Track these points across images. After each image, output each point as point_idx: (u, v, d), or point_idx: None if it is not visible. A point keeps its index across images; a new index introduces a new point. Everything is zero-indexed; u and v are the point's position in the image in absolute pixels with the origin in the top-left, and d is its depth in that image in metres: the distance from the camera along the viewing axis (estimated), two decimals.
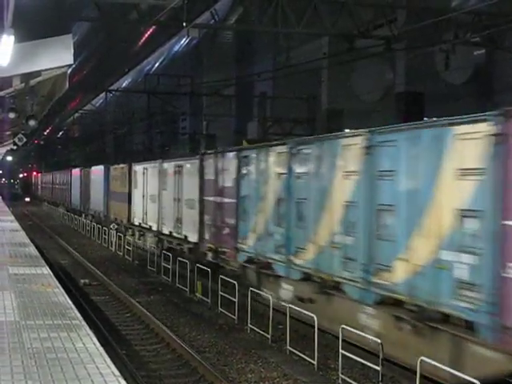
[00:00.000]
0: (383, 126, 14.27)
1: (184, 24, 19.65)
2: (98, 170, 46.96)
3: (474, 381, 10.11)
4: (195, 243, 25.17)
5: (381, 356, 12.55)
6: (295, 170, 17.43)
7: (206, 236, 23.69)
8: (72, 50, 14.66)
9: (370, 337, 13.36)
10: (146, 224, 32.98)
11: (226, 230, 21.96)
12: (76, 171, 57.68)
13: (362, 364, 13.50)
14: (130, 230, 36.16)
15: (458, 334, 11.46)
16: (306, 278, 16.80)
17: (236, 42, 42.97)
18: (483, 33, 21.57)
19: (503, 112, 10.68)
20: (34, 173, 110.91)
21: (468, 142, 11.29)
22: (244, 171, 20.73)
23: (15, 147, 41.71)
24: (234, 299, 18.94)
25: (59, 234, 44.85)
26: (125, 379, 9.31)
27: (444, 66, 23.38)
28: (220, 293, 20.07)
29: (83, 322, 12.48)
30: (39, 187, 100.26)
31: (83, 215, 51.21)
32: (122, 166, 39.04)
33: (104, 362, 9.91)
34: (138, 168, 35.30)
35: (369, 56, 24.87)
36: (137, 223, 34.99)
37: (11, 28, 12.10)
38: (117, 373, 9.39)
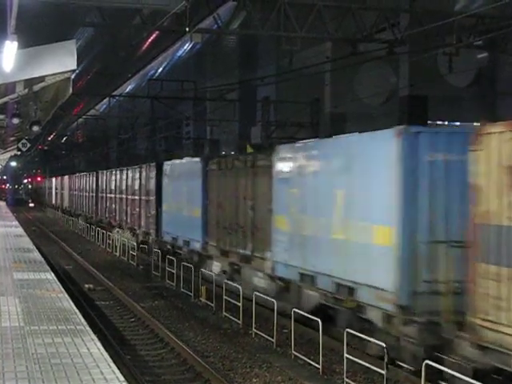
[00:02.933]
0: None
1: (187, 29, 19.67)
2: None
3: None
4: None
5: (385, 360, 12.54)
6: None
7: None
8: (75, 56, 14.68)
9: (375, 340, 13.33)
10: None
11: None
12: (191, 166, 27.00)
13: (367, 368, 13.49)
14: None
15: None
16: None
17: (239, 46, 42.98)
18: (486, 36, 21.55)
19: None
20: (53, 178, 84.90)
21: None
22: None
23: (19, 153, 41.77)
24: (238, 303, 18.93)
25: (63, 239, 44.83)
26: None
27: (447, 69, 23.38)
28: (224, 297, 20.06)
29: (87, 327, 12.48)
30: (59, 195, 74.30)
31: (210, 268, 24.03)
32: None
33: (109, 367, 9.91)
34: None
35: (372, 60, 24.88)
36: None
37: (14, 34, 12.14)
38: (121, 378, 9.38)
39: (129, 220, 37.87)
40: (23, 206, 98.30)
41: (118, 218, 41.20)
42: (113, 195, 42.99)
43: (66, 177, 68.73)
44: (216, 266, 23.46)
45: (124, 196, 39.45)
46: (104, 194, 46.32)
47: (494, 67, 28.98)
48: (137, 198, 35.86)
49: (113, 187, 43.22)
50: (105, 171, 47.70)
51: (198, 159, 26.56)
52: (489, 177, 11.05)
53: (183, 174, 27.75)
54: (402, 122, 27.33)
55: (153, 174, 32.71)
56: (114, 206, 42.56)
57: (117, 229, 40.21)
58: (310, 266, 16.79)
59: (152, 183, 32.74)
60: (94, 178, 50.67)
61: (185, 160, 29.23)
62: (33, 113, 21.01)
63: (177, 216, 28.12)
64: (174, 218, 28.77)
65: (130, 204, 37.58)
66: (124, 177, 40.06)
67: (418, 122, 24.99)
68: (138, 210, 35.47)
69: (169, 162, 30.68)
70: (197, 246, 25.28)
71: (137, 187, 36.10)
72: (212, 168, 24.67)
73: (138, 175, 36.08)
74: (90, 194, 52.15)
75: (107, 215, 44.70)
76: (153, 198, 32.33)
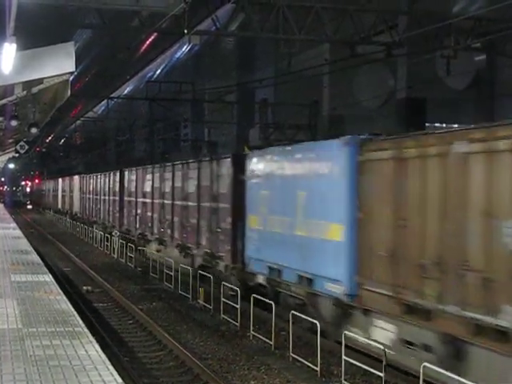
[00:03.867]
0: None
1: (185, 31, 19.67)
2: None
3: None
4: None
5: (384, 362, 12.54)
6: None
7: None
8: (74, 58, 14.70)
9: (374, 343, 13.33)
10: None
11: None
12: (318, 156, 16.99)
13: (365, 370, 13.49)
14: None
15: None
16: None
17: (237, 48, 43.04)
18: (484, 38, 21.58)
19: None
20: (58, 178, 71.08)
21: None
22: None
23: (17, 155, 41.79)
24: (236, 305, 18.93)
25: (61, 241, 44.78)
26: None
27: (445, 72, 23.40)
28: (222, 299, 20.05)
29: (85, 329, 12.47)
30: (67, 198, 63.48)
31: None
32: None
33: (107, 369, 9.90)
34: None
35: (370, 62, 24.89)
36: None
37: (13, 36, 12.15)
38: (119, 380, 9.38)
39: (177, 234, 28.33)
40: (21, 207, 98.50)
41: (156, 230, 31.53)
42: (148, 200, 33.10)
43: (76, 177, 58.02)
44: (385, 331, 13.97)
45: (169, 202, 29.51)
46: (133, 199, 36.31)
47: (493, 69, 28.99)
48: (192, 204, 26.32)
49: (147, 189, 33.43)
50: (134, 169, 37.20)
51: (336, 143, 15.95)
52: None
53: (297, 168, 17.91)
54: (400, 124, 27.40)
55: (227, 170, 22.93)
56: (149, 214, 32.74)
57: (154, 244, 31.30)
58: None
59: (225, 184, 23.01)
60: (118, 179, 40.41)
61: (301, 146, 18.82)
62: (31, 115, 21.03)
63: (280, 235, 18.39)
64: (272, 237, 18.93)
65: (180, 213, 27.85)
66: (168, 176, 29.98)
67: (415, 125, 25.05)
68: (195, 221, 25.91)
69: (262, 152, 20.80)
70: (333, 288, 15.60)
71: (192, 190, 26.54)
72: (372, 157, 14.51)
73: (194, 174, 26.33)
74: (111, 197, 42.04)
75: (138, 226, 34.92)
76: (226, 205, 22.72)
